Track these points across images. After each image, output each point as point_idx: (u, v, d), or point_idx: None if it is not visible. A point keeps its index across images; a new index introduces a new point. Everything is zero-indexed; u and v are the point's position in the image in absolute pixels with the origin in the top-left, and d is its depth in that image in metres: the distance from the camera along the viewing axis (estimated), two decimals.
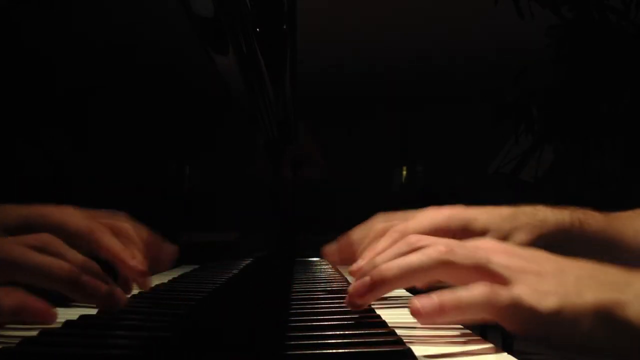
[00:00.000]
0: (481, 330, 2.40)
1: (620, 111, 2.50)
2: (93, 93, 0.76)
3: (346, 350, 0.36)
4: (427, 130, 5.12)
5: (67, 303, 0.54)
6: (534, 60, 2.50)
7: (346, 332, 0.41)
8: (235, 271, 0.92)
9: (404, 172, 5.25)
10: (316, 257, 1.23)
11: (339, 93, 4.84)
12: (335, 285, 0.73)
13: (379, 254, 0.51)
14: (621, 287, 0.39)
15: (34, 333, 0.39)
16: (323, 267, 1.05)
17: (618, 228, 0.67)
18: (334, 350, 0.36)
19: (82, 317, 0.46)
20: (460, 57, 4.23)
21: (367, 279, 0.44)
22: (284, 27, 0.88)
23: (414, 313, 0.39)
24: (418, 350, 0.38)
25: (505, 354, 0.39)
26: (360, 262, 0.59)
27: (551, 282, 0.39)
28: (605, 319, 0.37)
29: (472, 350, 0.40)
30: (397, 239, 0.51)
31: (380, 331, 0.42)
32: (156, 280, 0.81)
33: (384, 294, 0.45)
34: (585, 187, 3.29)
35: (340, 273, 0.93)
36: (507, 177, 3.30)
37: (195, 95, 1.19)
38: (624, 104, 2.49)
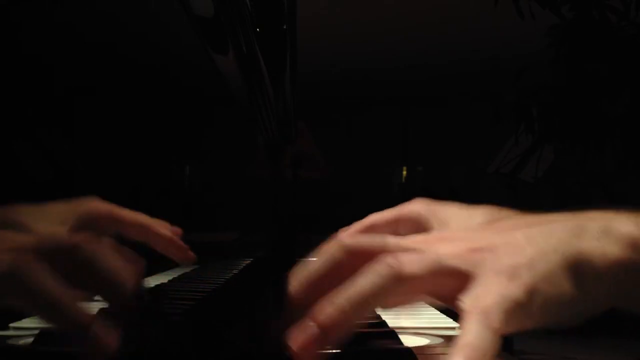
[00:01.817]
0: None
1: (620, 111, 2.50)
2: (93, 93, 0.76)
3: (346, 350, 0.36)
4: (427, 130, 5.12)
5: None
6: (534, 60, 2.50)
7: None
8: (235, 271, 0.92)
9: (404, 172, 5.25)
10: (316, 257, 1.22)
11: (339, 93, 4.84)
12: None
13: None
14: (577, 232, 0.36)
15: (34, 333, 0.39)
16: None
17: None
18: (334, 350, 0.36)
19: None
20: (460, 57, 4.23)
21: (311, 325, 0.33)
22: (284, 27, 0.88)
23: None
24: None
25: (505, 354, 0.39)
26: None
27: (510, 256, 0.35)
28: (577, 275, 0.35)
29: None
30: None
31: (380, 331, 0.42)
32: (156, 280, 0.81)
33: (337, 339, 0.34)
34: (585, 187, 3.29)
35: None
36: (507, 177, 3.30)
37: (195, 95, 1.19)
38: (624, 103, 2.50)
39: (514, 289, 0.33)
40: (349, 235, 0.39)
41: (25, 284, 0.31)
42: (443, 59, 4.30)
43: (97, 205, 0.57)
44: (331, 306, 0.33)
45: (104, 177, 0.81)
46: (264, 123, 1.20)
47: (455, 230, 0.41)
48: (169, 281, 0.77)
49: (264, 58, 0.89)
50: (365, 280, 0.34)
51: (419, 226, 0.57)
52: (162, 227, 0.60)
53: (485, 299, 0.33)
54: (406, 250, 0.36)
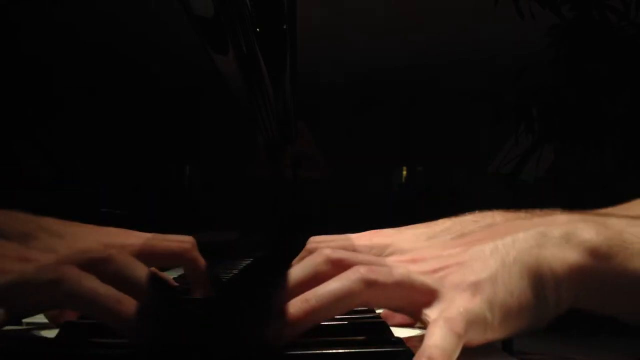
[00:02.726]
0: None
1: (620, 111, 2.50)
2: (93, 93, 0.76)
3: (347, 351, 0.36)
4: (427, 130, 5.12)
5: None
6: (534, 60, 2.50)
7: (346, 332, 0.41)
8: (235, 271, 0.92)
9: (404, 172, 5.25)
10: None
11: (339, 93, 4.84)
12: None
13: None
14: (539, 240, 0.39)
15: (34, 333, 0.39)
16: None
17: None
18: (335, 351, 0.36)
19: (82, 317, 0.46)
20: (460, 57, 4.23)
21: (284, 320, 0.37)
22: (284, 27, 0.88)
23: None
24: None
25: (505, 354, 0.39)
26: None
27: (474, 272, 0.38)
28: (538, 283, 0.37)
29: (472, 351, 0.40)
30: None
31: (380, 331, 0.42)
32: None
33: (307, 329, 0.37)
34: (585, 187, 3.29)
35: None
36: (507, 177, 3.30)
37: (195, 95, 1.19)
38: (624, 103, 2.50)
39: (477, 303, 0.36)
40: (329, 251, 0.41)
41: (71, 288, 0.35)
42: (443, 59, 4.30)
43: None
44: (303, 302, 0.36)
45: (104, 177, 0.81)
46: (264, 123, 1.20)
47: (426, 249, 0.43)
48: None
49: (264, 58, 0.89)
50: (336, 283, 0.37)
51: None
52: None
53: (450, 311, 0.36)
54: (381, 265, 0.39)
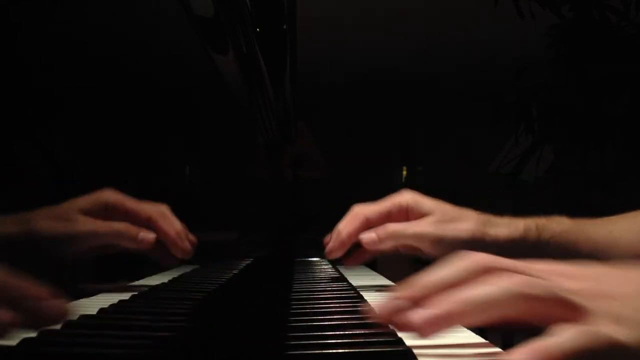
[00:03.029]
0: (480, 330, 2.40)
1: (620, 111, 2.50)
2: (93, 93, 0.76)
3: (347, 351, 0.36)
4: (427, 131, 5.12)
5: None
6: (534, 60, 2.49)
7: (347, 332, 0.41)
8: (235, 271, 0.92)
9: (404, 172, 5.24)
10: (316, 257, 1.23)
11: (339, 93, 4.84)
12: (335, 286, 0.73)
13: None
14: None
15: (34, 333, 0.39)
16: (323, 267, 1.05)
17: (586, 232, 0.71)
18: (335, 351, 0.36)
19: (82, 317, 0.46)
20: (460, 57, 4.23)
21: (427, 312, 0.34)
22: (284, 27, 0.88)
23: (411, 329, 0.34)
24: (417, 350, 0.37)
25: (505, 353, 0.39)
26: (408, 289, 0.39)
27: (631, 306, 0.35)
28: None
29: (472, 350, 0.40)
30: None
31: (381, 331, 0.42)
32: (156, 280, 0.81)
33: (443, 331, 0.35)
34: (585, 187, 3.29)
35: (340, 273, 0.93)
36: (507, 177, 3.30)
37: (195, 95, 1.19)
38: (624, 103, 2.49)
39: (625, 336, 0.32)
40: (482, 256, 0.38)
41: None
42: (443, 59, 4.30)
43: (109, 196, 0.70)
44: (448, 303, 0.34)
45: (104, 177, 0.81)
46: (264, 123, 1.20)
47: (574, 269, 0.39)
48: (169, 281, 0.77)
49: (264, 58, 0.89)
50: (490, 289, 0.34)
51: (406, 214, 0.76)
52: (168, 224, 0.71)
53: (592, 328, 0.32)
54: (533, 275, 0.36)
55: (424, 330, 0.34)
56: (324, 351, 0.36)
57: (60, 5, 0.64)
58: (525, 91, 2.67)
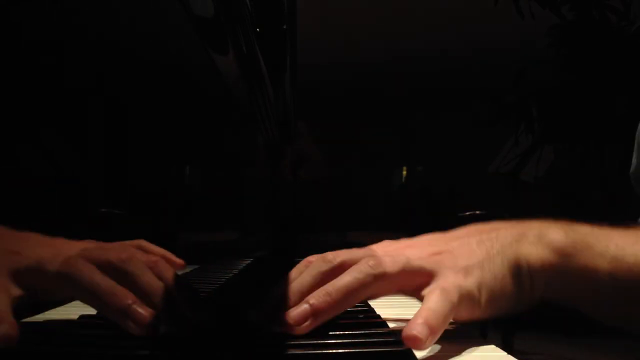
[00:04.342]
0: (481, 330, 2.40)
1: (620, 111, 2.50)
2: (93, 93, 0.76)
3: (346, 351, 0.36)
4: (427, 131, 5.12)
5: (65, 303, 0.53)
6: (534, 60, 2.50)
7: (346, 332, 0.41)
8: (235, 271, 0.92)
9: (404, 172, 5.24)
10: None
11: (339, 93, 4.84)
12: None
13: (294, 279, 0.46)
14: (517, 237, 0.45)
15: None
16: None
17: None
18: (335, 351, 0.36)
19: (82, 317, 0.46)
20: (460, 57, 4.23)
21: (306, 307, 0.40)
22: (284, 27, 0.88)
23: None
24: (417, 351, 0.38)
25: (505, 353, 0.39)
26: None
27: (464, 258, 0.44)
28: (517, 273, 0.43)
29: (472, 350, 0.40)
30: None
31: (380, 331, 0.42)
32: None
33: (324, 322, 0.41)
34: (585, 187, 3.29)
35: None
36: (507, 177, 3.30)
37: (195, 95, 1.19)
38: (624, 103, 2.49)
39: (469, 283, 0.42)
40: (331, 254, 0.46)
41: (76, 279, 0.40)
42: (443, 59, 4.30)
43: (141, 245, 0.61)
44: (324, 294, 0.41)
45: (104, 177, 0.81)
46: (264, 123, 1.20)
47: (419, 239, 0.48)
48: None
49: (264, 58, 0.89)
50: (351, 276, 0.42)
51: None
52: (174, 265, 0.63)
53: (445, 284, 0.42)
54: (383, 255, 0.44)
55: (299, 324, 0.40)
56: (324, 351, 0.36)
57: (61, 5, 0.64)
58: (525, 91, 2.67)
